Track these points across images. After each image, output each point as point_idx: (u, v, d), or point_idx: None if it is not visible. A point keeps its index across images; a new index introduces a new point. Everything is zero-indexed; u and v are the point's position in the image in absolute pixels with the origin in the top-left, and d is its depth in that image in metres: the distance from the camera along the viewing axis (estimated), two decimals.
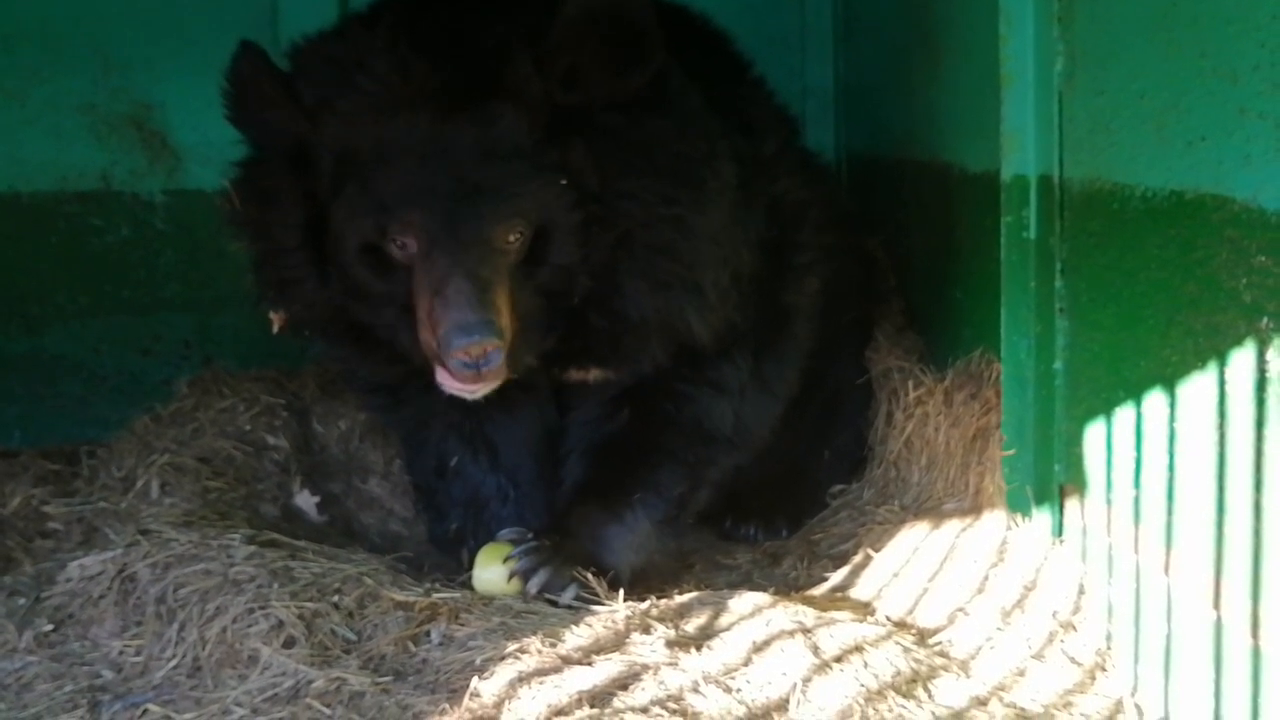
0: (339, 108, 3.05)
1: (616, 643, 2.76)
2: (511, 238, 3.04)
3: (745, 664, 2.67)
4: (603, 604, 2.97)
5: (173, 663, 2.90)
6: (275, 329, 3.47)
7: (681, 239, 3.16)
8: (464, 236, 2.99)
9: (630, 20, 2.96)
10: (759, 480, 4.06)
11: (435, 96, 2.96)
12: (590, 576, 3.10)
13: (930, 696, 2.64)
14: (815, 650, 2.71)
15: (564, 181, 3.03)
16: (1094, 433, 2.91)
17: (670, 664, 2.64)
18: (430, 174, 2.99)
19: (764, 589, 3.33)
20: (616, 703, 2.52)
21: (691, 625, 2.87)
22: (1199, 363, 2.42)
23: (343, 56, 3.04)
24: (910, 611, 3.11)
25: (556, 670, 2.63)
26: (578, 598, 3.09)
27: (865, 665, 2.68)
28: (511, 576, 3.17)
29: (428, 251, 3.02)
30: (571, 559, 3.19)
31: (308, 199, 3.18)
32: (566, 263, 3.12)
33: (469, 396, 3.12)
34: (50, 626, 3.12)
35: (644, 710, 2.49)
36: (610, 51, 2.96)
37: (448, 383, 3.08)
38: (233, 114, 3.20)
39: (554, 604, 3.10)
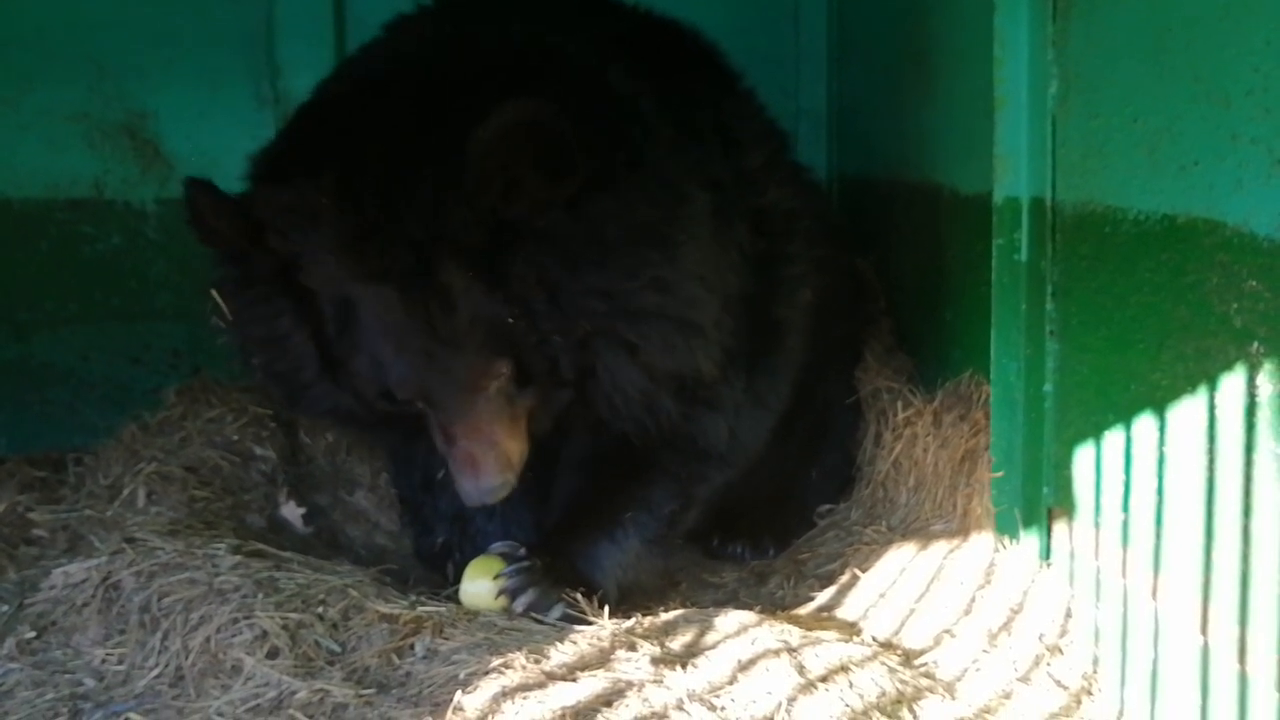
0: (309, 267, 3.07)
1: (601, 660, 2.75)
2: (499, 379, 3.13)
3: (730, 682, 2.66)
4: (589, 623, 2.96)
5: (155, 672, 2.89)
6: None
7: (667, 296, 3.13)
8: (457, 397, 3.13)
9: (547, 134, 2.88)
10: (747, 499, 4.06)
11: (391, 271, 2.97)
12: (580, 597, 3.10)
13: (915, 718, 2.64)
14: (801, 669, 2.70)
15: (510, 320, 3.03)
16: (1083, 456, 2.91)
17: (655, 681, 2.64)
18: (408, 345, 3.07)
19: (750, 608, 3.32)
20: (600, 719, 2.51)
21: (677, 643, 2.87)
22: (1189, 387, 2.42)
23: (299, 212, 2.99)
24: (896, 632, 3.11)
25: (540, 686, 2.62)
26: (564, 616, 3.08)
27: (850, 685, 2.67)
28: (500, 594, 3.16)
29: (429, 407, 3.20)
30: (561, 580, 3.18)
31: (305, 311, 3.20)
32: (545, 373, 3.16)
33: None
34: (33, 634, 3.11)
35: None
36: (536, 165, 2.90)
37: None
38: (202, 239, 3.18)
39: (540, 622, 3.10)
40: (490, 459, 3.17)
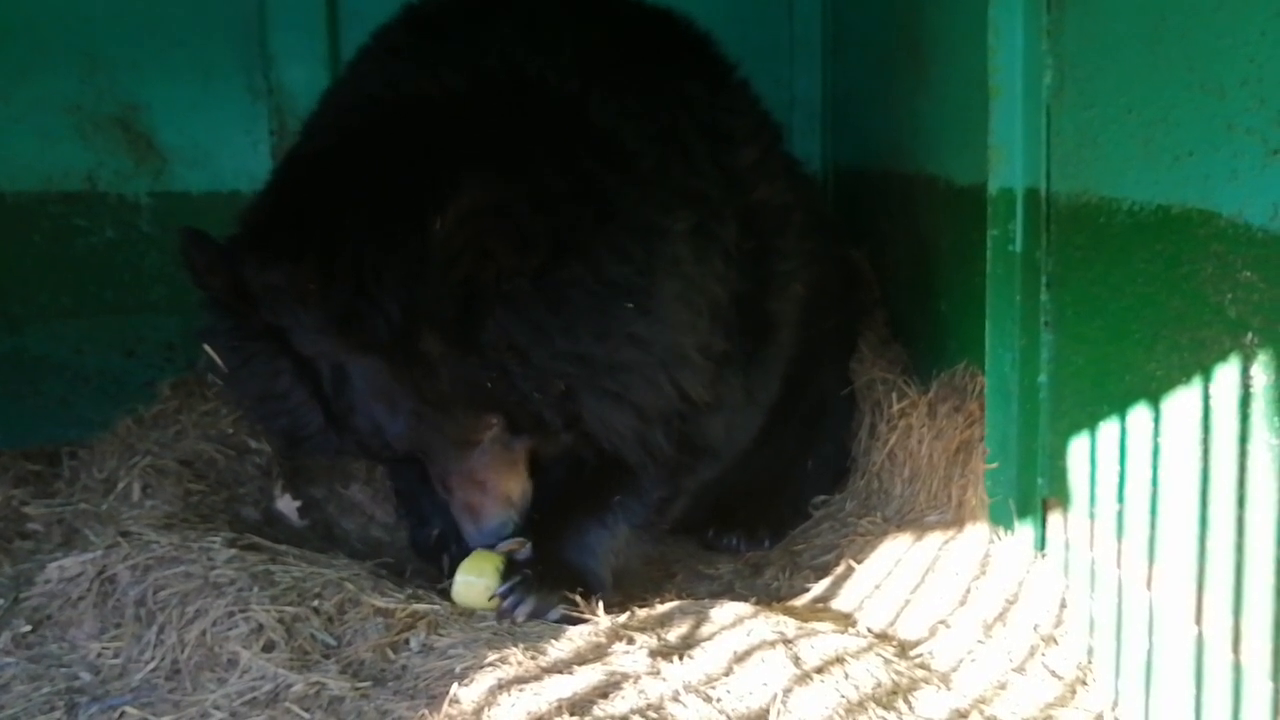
0: (299, 339, 3.10)
1: (598, 653, 2.76)
2: (491, 428, 3.18)
3: (726, 674, 2.67)
4: (586, 620, 2.97)
5: (151, 665, 2.89)
6: None
7: (644, 348, 3.13)
8: (451, 452, 3.21)
9: (506, 215, 2.91)
10: (742, 490, 4.06)
11: (374, 344, 2.99)
12: (578, 598, 3.09)
13: (911, 708, 2.64)
14: (796, 661, 2.71)
15: (488, 384, 3.04)
16: (1078, 447, 2.91)
17: (651, 673, 2.64)
18: (400, 408, 3.09)
19: (746, 599, 3.32)
20: (597, 711, 2.51)
21: (673, 635, 2.87)
22: (1183, 377, 2.42)
23: (286, 292, 3.01)
24: (892, 623, 3.11)
25: (536, 678, 2.63)
26: (563, 618, 3.08)
27: (846, 676, 2.68)
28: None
29: (426, 460, 3.30)
30: (558, 584, 3.18)
31: (303, 369, 3.20)
32: (532, 427, 3.18)
33: None
34: (28, 628, 3.11)
35: (624, 718, 2.49)
36: (499, 239, 2.92)
37: None
38: (197, 287, 3.20)
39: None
40: (488, 503, 3.28)
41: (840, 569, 3.52)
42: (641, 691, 2.58)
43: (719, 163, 3.50)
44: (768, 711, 2.55)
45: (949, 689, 2.75)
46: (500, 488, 3.28)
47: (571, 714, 2.49)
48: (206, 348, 3.35)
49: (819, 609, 3.31)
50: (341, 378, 3.12)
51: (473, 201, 2.85)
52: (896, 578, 3.31)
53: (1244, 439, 2.23)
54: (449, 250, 2.88)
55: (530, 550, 3.30)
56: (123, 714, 2.73)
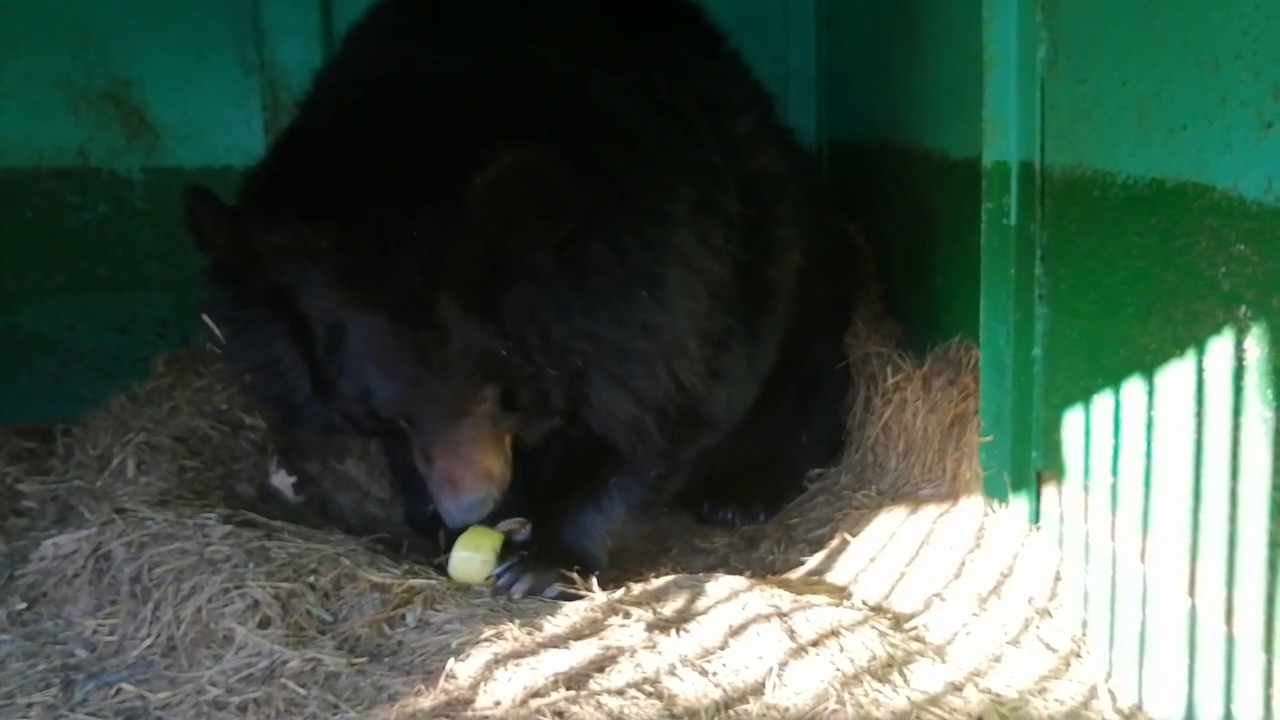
0: (304, 297, 3.07)
1: (594, 628, 2.77)
2: (485, 402, 3.12)
3: (722, 647, 2.68)
4: (582, 597, 2.97)
5: (147, 642, 2.89)
6: None
7: (653, 338, 3.14)
8: (441, 420, 3.13)
9: (544, 181, 2.89)
10: (737, 464, 4.07)
11: (386, 304, 2.98)
12: (576, 576, 3.10)
13: (906, 681, 2.65)
14: (791, 634, 2.71)
15: (503, 352, 3.03)
16: (1072, 420, 2.91)
17: (647, 647, 2.65)
18: (396, 371, 3.06)
19: (741, 573, 3.33)
20: (593, 685, 2.52)
21: (669, 609, 2.88)
22: (1177, 351, 2.42)
23: (297, 251, 2.98)
24: (887, 596, 3.12)
25: (533, 653, 2.64)
26: (560, 595, 3.09)
27: (841, 650, 2.69)
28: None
29: (413, 427, 3.20)
30: (554, 563, 3.19)
31: (299, 333, 3.18)
32: (533, 403, 3.16)
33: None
34: (24, 605, 3.11)
35: (620, 692, 2.50)
36: (532, 210, 2.90)
37: None
38: (199, 249, 3.16)
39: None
40: (469, 477, 3.17)
41: (835, 542, 3.53)
42: (638, 665, 2.59)
43: (719, 131, 3.50)
44: (763, 684, 2.56)
45: (944, 662, 2.76)
46: (483, 463, 3.19)
47: (568, 688, 2.50)
48: (205, 319, 3.33)
49: (814, 582, 3.31)
50: (337, 338, 3.09)
51: (515, 162, 2.83)
52: (891, 551, 3.32)
53: (1237, 412, 2.23)
54: (482, 213, 2.86)
55: (530, 531, 3.30)
56: (119, 691, 2.74)
